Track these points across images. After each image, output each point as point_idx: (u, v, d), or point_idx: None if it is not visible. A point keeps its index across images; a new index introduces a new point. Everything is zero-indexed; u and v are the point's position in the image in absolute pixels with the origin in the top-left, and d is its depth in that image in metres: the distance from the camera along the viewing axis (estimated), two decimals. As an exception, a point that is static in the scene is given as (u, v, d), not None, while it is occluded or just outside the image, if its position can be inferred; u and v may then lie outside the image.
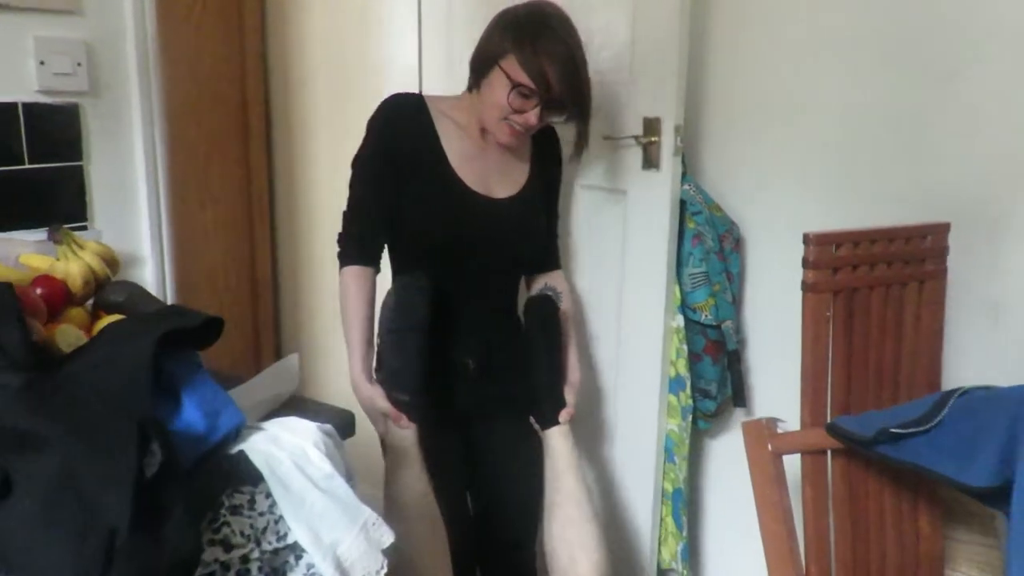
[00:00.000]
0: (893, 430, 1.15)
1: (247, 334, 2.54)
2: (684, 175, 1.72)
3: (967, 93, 1.49)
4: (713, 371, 1.79)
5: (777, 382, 1.79)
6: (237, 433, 0.91)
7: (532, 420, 1.58)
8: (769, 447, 1.34)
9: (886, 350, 1.40)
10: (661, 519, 1.82)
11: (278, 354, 2.63)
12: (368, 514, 0.92)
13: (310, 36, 2.40)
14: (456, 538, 1.51)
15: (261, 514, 0.86)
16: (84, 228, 1.70)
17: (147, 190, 1.79)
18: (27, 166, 1.62)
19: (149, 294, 1.39)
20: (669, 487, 1.81)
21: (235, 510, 0.84)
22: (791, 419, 1.41)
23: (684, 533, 1.82)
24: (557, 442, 1.53)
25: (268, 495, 0.87)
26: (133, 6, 1.73)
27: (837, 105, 1.65)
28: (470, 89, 1.53)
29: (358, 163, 1.54)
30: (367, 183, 1.52)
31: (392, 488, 1.46)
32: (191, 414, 0.85)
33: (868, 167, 1.63)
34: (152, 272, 1.84)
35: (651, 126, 1.67)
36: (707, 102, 1.83)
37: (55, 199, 1.68)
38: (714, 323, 1.75)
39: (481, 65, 1.47)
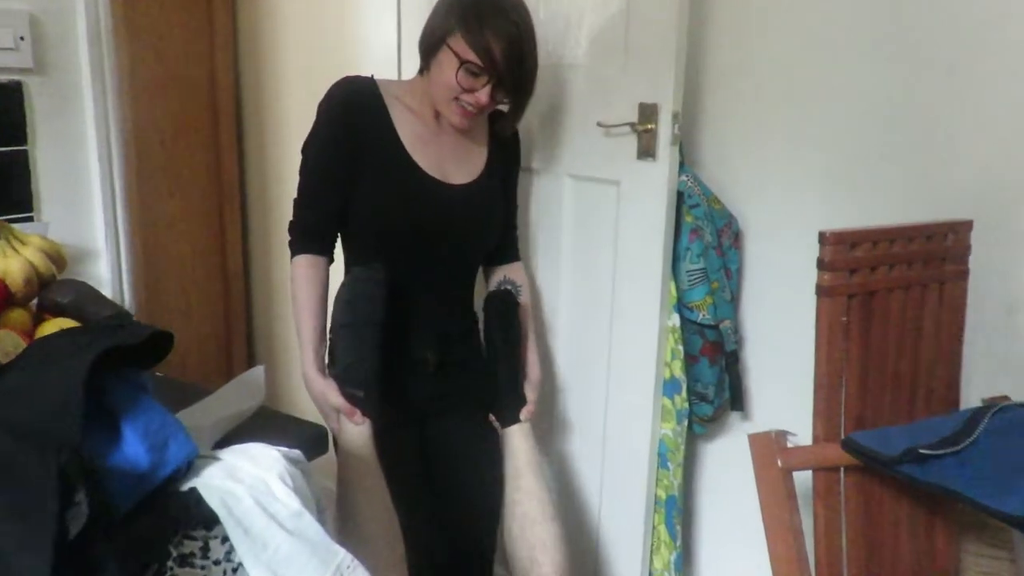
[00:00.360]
0: (922, 451, 1.05)
1: (217, 331, 2.42)
2: (681, 165, 1.65)
3: (975, 87, 1.44)
4: (710, 373, 1.73)
5: (777, 385, 1.75)
6: (189, 466, 0.79)
7: (492, 418, 1.56)
8: (779, 463, 1.25)
9: (904, 357, 1.33)
10: (653, 527, 1.77)
11: (250, 352, 2.52)
12: (343, 556, 0.81)
13: (283, 13, 2.32)
14: (415, 539, 1.47)
15: (216, 563, 0.75)
16: (30, 219, 1.59)
17: (101, 177, 1.68)
18: (-37, 151, 1.50)
19: (99, 294, 1.30)
20: (662, 494, 1.75)
21: (184, 560, 0.72)
22: (793, 424, 1.35)
23: (677, 542, 1.77)
24: (518, 440, 1.52)
25: (225, 539, 0.76)
26: (83, -25, 1.61)
27: (843, 95, 1.59)
28: (421, 72, 1.51)
29: (309, 148, 1.49)
30: (319, 169, 1.48)
31: (344, 487, 1.42)
32: (133, 447, 0.73)
33: (874, 160, 1.57)
34: (107, 267, 1.73)
35: (647, 113, 1.60)
36: (707, 89, 1.76)
37: (-4, 187, 1.55)
38: (712, 323, 1.69)
39: (429, 45, 1.45)
